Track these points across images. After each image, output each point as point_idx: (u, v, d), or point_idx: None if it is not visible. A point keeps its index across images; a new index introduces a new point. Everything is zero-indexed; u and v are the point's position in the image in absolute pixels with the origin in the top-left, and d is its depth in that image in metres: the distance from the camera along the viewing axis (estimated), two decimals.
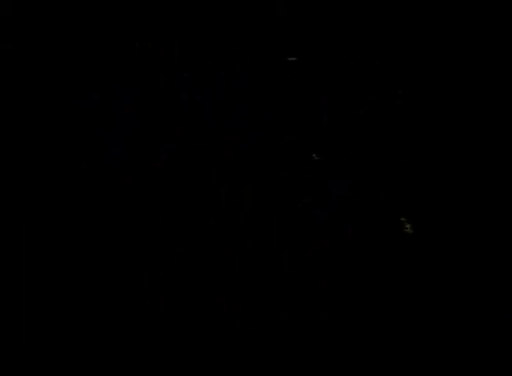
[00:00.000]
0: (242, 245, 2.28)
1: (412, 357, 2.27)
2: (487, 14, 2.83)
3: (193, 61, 2.60)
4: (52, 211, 2.30)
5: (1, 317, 2.13)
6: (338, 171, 2.54)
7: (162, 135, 2.40)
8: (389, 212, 2.55)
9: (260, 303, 2.22)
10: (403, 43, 2.84)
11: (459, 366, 2.22)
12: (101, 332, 2.15)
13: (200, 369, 2.15)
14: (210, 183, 2.33)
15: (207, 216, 2.29)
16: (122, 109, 2.46)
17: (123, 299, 2.19)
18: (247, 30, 2.84)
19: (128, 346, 2.14)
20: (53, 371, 2.05)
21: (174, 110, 2.45)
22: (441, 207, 2.73)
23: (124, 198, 2.29)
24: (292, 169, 2.46)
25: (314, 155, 2.56)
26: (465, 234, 2.70)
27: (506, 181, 2.70)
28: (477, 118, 2.82)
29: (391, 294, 2.61)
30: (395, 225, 2.66)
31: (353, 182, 2.50)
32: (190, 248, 2.26)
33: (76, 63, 2.89)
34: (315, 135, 2.69)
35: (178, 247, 2.25)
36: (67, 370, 2.07)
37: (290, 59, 2.83)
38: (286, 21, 2.86)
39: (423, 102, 2.84)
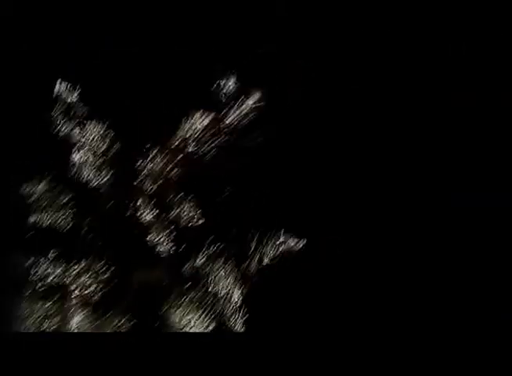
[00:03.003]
0: None
1: (412, 356, 2.27)
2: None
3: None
4: None
5: None
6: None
7: None
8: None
9: None
10: (402, 44, 2.85)
11: (459, 366, 2.21)
12: None
13: None
14: None
15: None
16: None
17: None
18: (248, 30, 2.85)
19: None
20: None
21: None
22: (442, 207, 2.73)
23: None
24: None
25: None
26: (466, 234, 2.69)
27: (506, 180, 2.69)
28: (477, 120, 2.83)
29: (390, 294, 2.61)
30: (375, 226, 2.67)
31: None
32: None
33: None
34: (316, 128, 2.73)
35: None
36: None
37: (290, 57, 2.87)
38: (286, 21, 2.87)
39: (423, 101, 2.84)
